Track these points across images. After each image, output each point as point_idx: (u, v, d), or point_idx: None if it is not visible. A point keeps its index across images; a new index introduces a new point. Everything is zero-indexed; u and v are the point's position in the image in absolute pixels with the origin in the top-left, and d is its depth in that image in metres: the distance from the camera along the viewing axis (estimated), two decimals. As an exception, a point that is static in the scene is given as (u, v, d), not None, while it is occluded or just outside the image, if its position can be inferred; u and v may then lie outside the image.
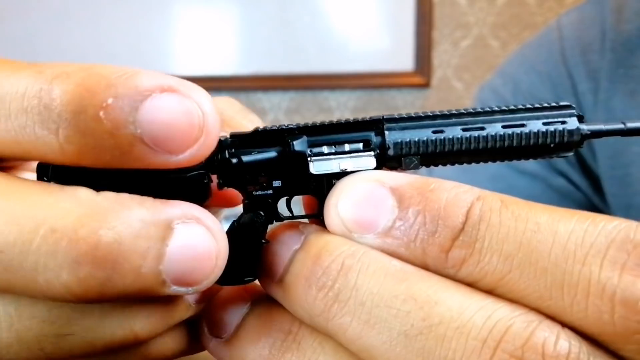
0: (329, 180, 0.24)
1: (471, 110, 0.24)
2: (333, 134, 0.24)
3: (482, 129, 0.24)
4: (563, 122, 0.24)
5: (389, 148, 0.24)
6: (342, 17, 1.70)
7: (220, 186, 0.24)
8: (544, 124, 0.24)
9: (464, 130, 0.24)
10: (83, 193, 0.20)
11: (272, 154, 0.24)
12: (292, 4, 1.68)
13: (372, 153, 0.24)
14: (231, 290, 0.25)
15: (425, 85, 1.76)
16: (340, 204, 0.22)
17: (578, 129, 0.24)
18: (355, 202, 0.22)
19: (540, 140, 0.24)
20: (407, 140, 0.24)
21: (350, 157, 0.24)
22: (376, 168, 0.24)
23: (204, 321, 0.25)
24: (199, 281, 0.21)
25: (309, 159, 0.24)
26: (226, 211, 0.32)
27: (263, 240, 0.24)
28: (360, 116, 0.25)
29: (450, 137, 0.24)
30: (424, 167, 0.25)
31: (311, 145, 0.24)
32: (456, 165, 0.25)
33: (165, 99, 0.19)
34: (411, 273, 0.21)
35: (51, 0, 1.65)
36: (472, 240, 0.20)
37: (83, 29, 1.67)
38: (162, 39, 1.70)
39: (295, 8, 1.69)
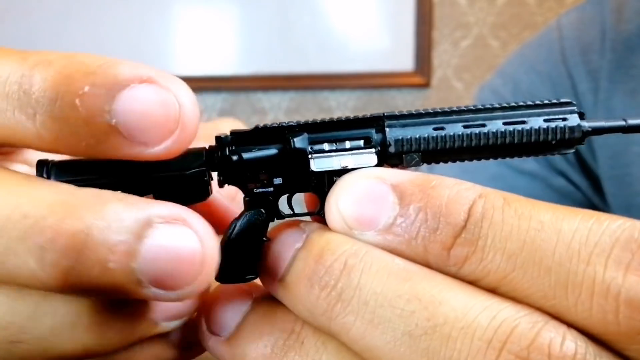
0: (330, 177, 0.24)
1: (472, 107, 0.24)
2: (334, 131, 0.24)
3: (483, 125, 0.24)
4: (564, 119, 0.24)
5: (389, 145, 0.24)
6: (342, 17, 1.70)
7: (221, 184, 0.24)
8: (545, 120, 0.24)
9: (464, 127, 0.24)
10: (63, 186, 0.20)
11: (272, 151, 0.24)
12: (292, 4, 1.68)
13: (373, 150, 0.24)
14: (232, 288, 0.25)
15: (425, 85, 1.76)
16: (340, 201, 0.22)
17: (579, 125, 0.24)
18: (355, 199, 0.22)
19: (541, 137, 0.24)
20: (408, 137, 0.24)
21: (351, 154, 0.24)
22: (377, 165, 0.24)
23: (202, 319, 0.25)
24: (181, 285, 0.20)
25: (309, 156, 0.24)
26: None
27: (264, 238, 0.24)
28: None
29: (451, 134, 0.24)
30: (425, 165, 0.25)
31: (312, 142, 0.24)
32: (457, 165, 0.25)
33: (142, 89, 0.19)
34: (415, 272, 0.21)
35: (51, 0, 1.65)
36: (474, 238, 0.20)
37: (83, 29, 1.67)
38: (162, 39, 1.70)
39: (295, 8, 1.69)
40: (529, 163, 0.62)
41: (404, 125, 0.24)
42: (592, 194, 0.62)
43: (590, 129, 0.24)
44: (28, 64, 0.20)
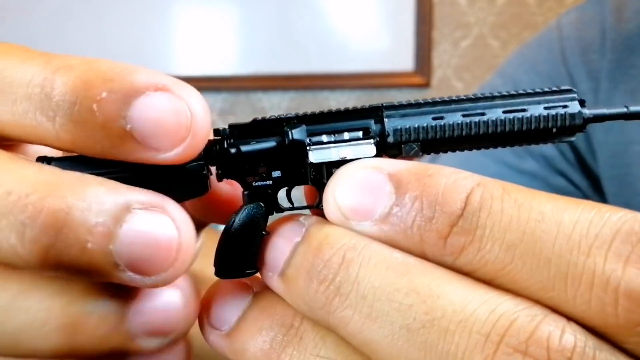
0: (329, 169, 0.23)
1: (471, 97, 0.24)
2: (332, 122, 0.24)
3: (483, 114, 0.23)
4: (565, 106, 0.24)
5: (388, 135, 0.24)
6: (342, 17, 1.70)
7: (220, 177, 0.24)
8: (546, 108, 0.24)
9: (464, 116, 0.24)
10: (48, 167, 0.21)
11: (271, 143, 0.24)
12: (292, 4, 1.68)
13: (371, 141, 0.24)
14: (233, 282, 0.25)
15: (425, 85, 1.76)
16: (337, 192, 0.22)
17: (580, 112, 0.24)
18: (352, 189, 0.22)
19: (542, 125, 0.23)
20: (407, 127, 0.24)
21: (350, 145, 0.24)
22: (376, 156, 0.23)
23: (203, 313, 0.25)
24: (156, 271, 0.21)
25: (308, 147, 0.24)
26: None
27: (263, 232, 0.24)
28: None
29: (451, 122, 0.23)
30: (426, 156, 0.24)
31: (310, 134, 0.24)
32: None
33: (157, 97, 0.20)
34: (413, 265, 0.20)
35: (51, 0, 1.65)
36: (471, 228, 0.20)
37: (83, 29, 1.67)
38: (162, 39, 1.70)
39: (295, 8, 1.69)
40: (528, 163, 0.62)
41: (402, 116, 0.24)
42: (592, 194, 0.62)
43: (591, 116, 0.24)
44: (51, 67, 0.21)
